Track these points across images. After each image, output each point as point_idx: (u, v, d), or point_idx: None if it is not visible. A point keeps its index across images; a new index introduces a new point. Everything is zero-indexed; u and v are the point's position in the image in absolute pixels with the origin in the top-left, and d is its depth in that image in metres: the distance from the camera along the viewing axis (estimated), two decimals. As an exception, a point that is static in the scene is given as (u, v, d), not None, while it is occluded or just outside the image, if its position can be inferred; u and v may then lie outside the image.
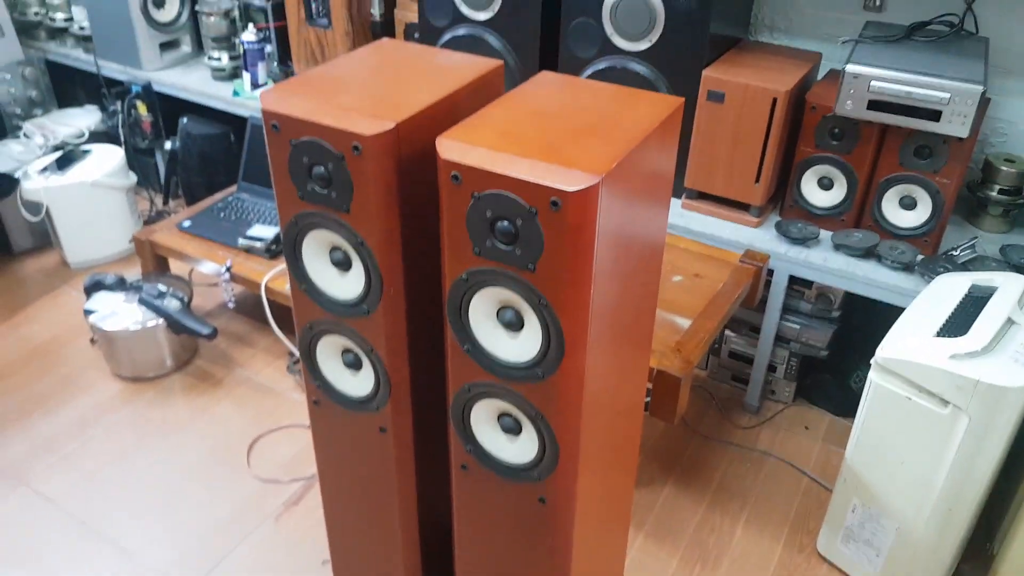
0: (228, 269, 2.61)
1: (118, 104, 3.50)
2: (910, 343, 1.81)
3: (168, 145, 3.47)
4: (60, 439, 2.51)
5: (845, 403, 2.62)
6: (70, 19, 3.68)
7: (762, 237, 2.41)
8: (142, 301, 2.68)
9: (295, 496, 2.35)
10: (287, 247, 1.36)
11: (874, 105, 2.13)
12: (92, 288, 2.77)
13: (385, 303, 1.32)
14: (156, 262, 2.85)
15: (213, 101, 3.36)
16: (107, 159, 3.26)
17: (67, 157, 3.23)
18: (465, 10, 2.59)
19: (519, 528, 1.42)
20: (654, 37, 2.34)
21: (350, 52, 1.44)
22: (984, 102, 2.06)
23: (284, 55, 3.32)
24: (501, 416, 1.33)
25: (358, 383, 1.49)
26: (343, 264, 1.34)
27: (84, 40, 3.67)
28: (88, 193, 3.18)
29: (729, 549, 2.23)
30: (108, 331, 2.65)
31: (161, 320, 2.66)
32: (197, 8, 3.49)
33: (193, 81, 3.45)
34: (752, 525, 2.29)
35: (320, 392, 1.54)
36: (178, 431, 2.56)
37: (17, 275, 3.29)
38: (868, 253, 2.28)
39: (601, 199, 1.05)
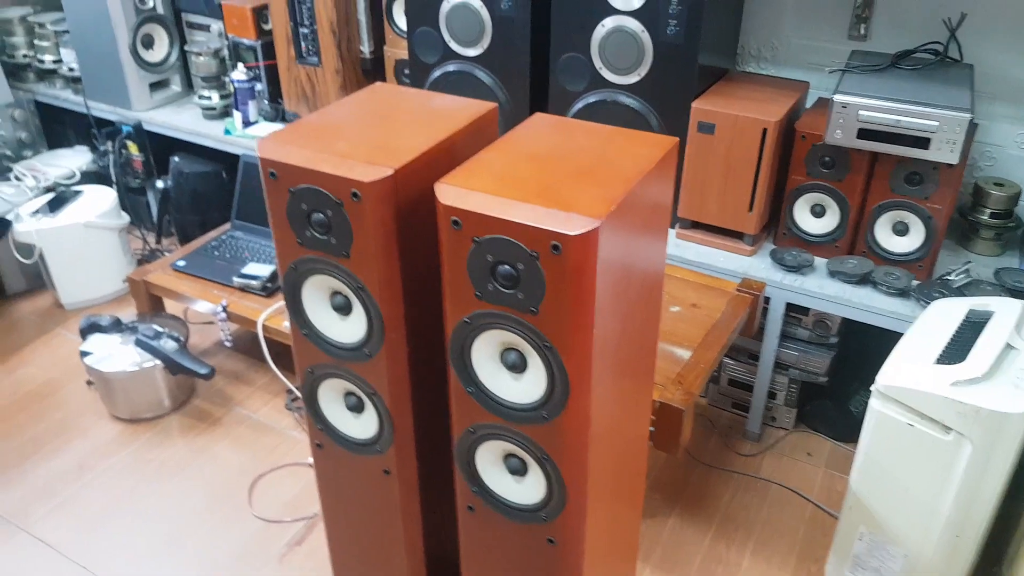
0: (224, 308, 2.61)
1: (109, 144, 3.50)
2: (910, 370, 1.81)
3: (160, 184, 3.47)
4: (59, 483, 2.49)
5: (846, 428, 2.62)
6: (59, 61, 3.69)
7: (757, 265, 2.42)
8: (138, 342, 2.67)
9: (298, 536, 2.33)
10: (287, 292, 1.36)
11: (864, 134, 2.15)
12: (88, 330, 2.76)
13: (387, 346, 1.32)
14: (151, 302, 2.84)
15: (204, 140, 3.36)
16: (99, 200, 3.26)
17: (59, 198, 3.23)
18: (455, 46, 2.61)
19: (527, 569, 1.42)
20: (643, 71, 2.36)
21: (344, 97, 1.45)
22: (972, 128, 2.08)
23: (275, 93, 3.33)
24: (507, 457, 1.32)
25: (361, 426, 1.48)
26: (344, 308, 1.34)
27: (73, 81, 3.68)
28: (81, 234, 3.17)
29: (734, 579, 2.22)
30: (105, 373, 2.64)
31: (158, 361, 2.65)
32: (186, 48, 3.51)
33: (184, 120, 3.45)
34: (759, 555, 2.28)
35: (323, 435, 1.54)
36: (178, 472, 2.54)
37: (11, 317, 3.27)
38: (863, 279, 2.29)
39: (602, 242, 1.06)
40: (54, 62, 3.72)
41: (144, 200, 3.69)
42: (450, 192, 1.12)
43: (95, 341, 2.72)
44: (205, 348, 3.09)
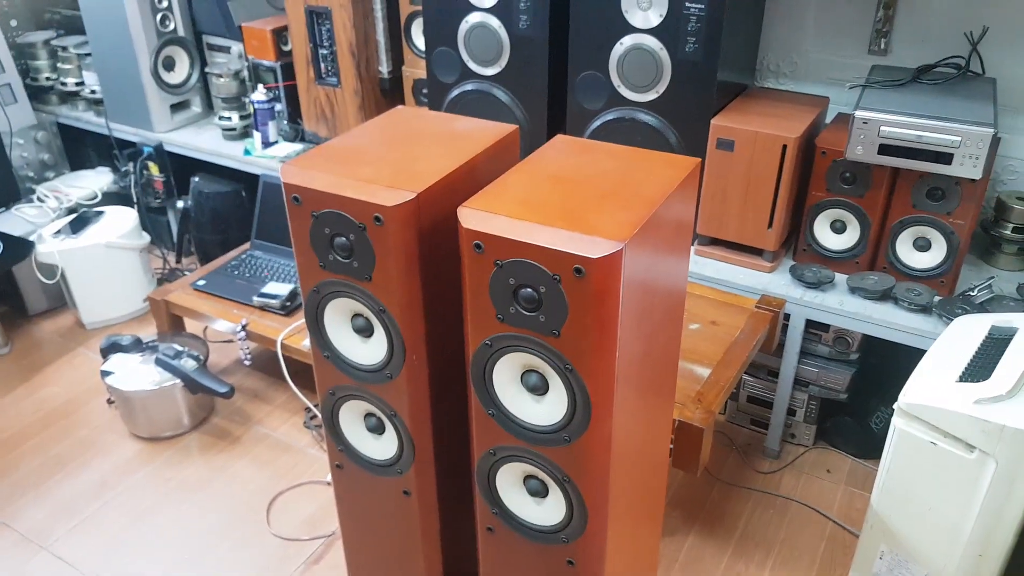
0: (244, 327, 2.62)
1: (130, 165, 3.53)
2: (933, 388, 1.79)
3: (180, 204, 3.50)
4: (80, 502, 2.51)
5: (866, 445, 2.60)
6: (81, 83, 3.73)
7: (777, 282, 2.41)
8: (158, 361, 2.69)
9: (316, 555, 2.33)
10: (309, 315, 1.37)
11: (885, 149, 2.14)
12: (109, 349, 2.78)
13: (408, 368, 1.32)
14: (171, 321, 2.86)
15: (224, 160, 3.39)
16: (120, 220, 3.29)
17: (81, 219, 3.26)
18: (473, 66, 2.62)
19: (548, 591, 1.41)
20: (661, 88, 2.36)
21: (366, 121, 1.46)
22: (995, 142, 2.07)
23: (294, 113, 3.35)
24: (527, 479, 1.32)
25: (381, 447, 1.48)
26: (365, 331, 1.34)
27: (95, 103, 3.72)
28: (102, 255, 3.20)
29: (756, 599, 2.21)
30: (125, 392, 2.66)
31: (178, 380, 2.66)
32: (207, 70, 3.54)
33: (204, 141, 3.48)
34: (778, 573, 2.27)
35: (343, 456, 1.54)
36: (197, 491, 2.55)
37: (33, 337, 3.30)
38: (884, 296, 2.28)
39: (624, 264, 1.06)
40: (77, 84, 3.76)
41: (165, 220, 3.71)
42: (473, 216, 1.13)
43: (116, 360, 2.74)
44: (225, 367, 3.10)
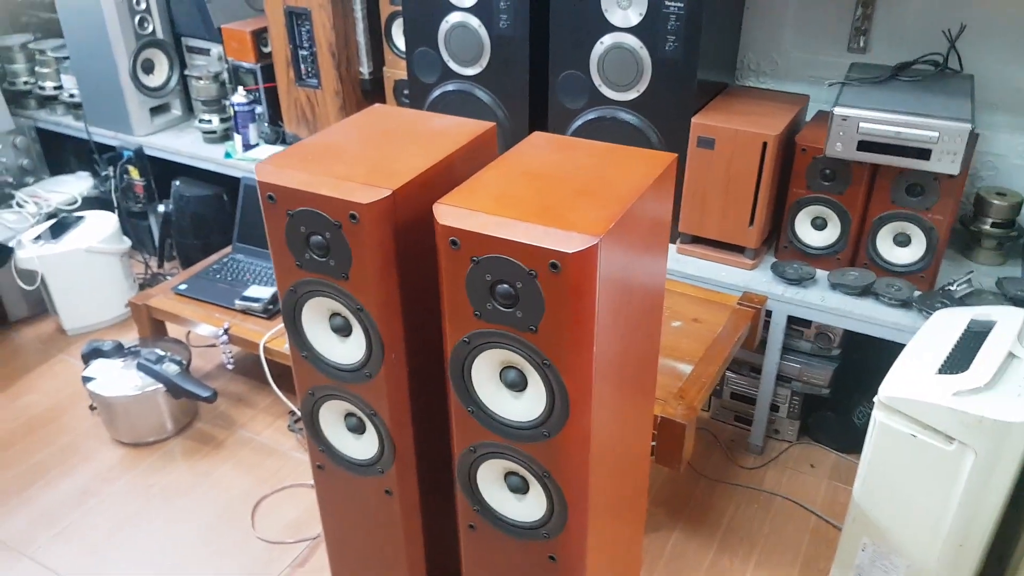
0: (226, 331, 2.61)
1: (110, 169, 3.51)
2: (913, 381, 1.80)
3: (161, 208, 3.48)
4: (62, 509, 2.49)
5: (849, 440, 2.61)
6: (59, 87, 3.71)
7: (758, 279, 2.42)
8: (140, 366, 2.67)
9: (301, 558, 2.32)
10: (287, 315, 1.36)
11: (864, 146, 2.15)
12: (90, 355, 2.76)
13: (387, 367, 1.32)
14: (153, 326, 2.84)
15: (205, 163, 3.38)
16: (101, 225, 3.27)
17: (61, 224, 3.23)
18: (454, 66, 2.62)
19: (530, 588, 1.41)
20: (642, 87, 2.37)
21: (343, 119, 1.46)
22: (973, 138, 2.09)
23: (275, 115, 3.34)
24: (508, 475, 1.32)
25: (362, 447, 1.48)
26: (343, 330, 1.34)
27: (74, 107, 3.69)
28: (83, 260, 3.18)
29: (741, 595, 2.21)
30: (107, 397, 2.64)
31: (160, 385, 2.65)
32: (186, 72, 3.53)
33: (184, 144, 3.47)
34: (763, 567, 2.27)
35: (324, 456, 1.54)
36: (181, 496, 2.53)
37: (13, 344, 3.28)
38: (865, 291, 2.29)
39: (600, 259, 1.06)
40: (55, 88, 3.74)
41: (146, 224, 3.70)
42: (448, 212, 1.13)
43: (97, 366, 2.72)
44: (207, 371, 3.09)
